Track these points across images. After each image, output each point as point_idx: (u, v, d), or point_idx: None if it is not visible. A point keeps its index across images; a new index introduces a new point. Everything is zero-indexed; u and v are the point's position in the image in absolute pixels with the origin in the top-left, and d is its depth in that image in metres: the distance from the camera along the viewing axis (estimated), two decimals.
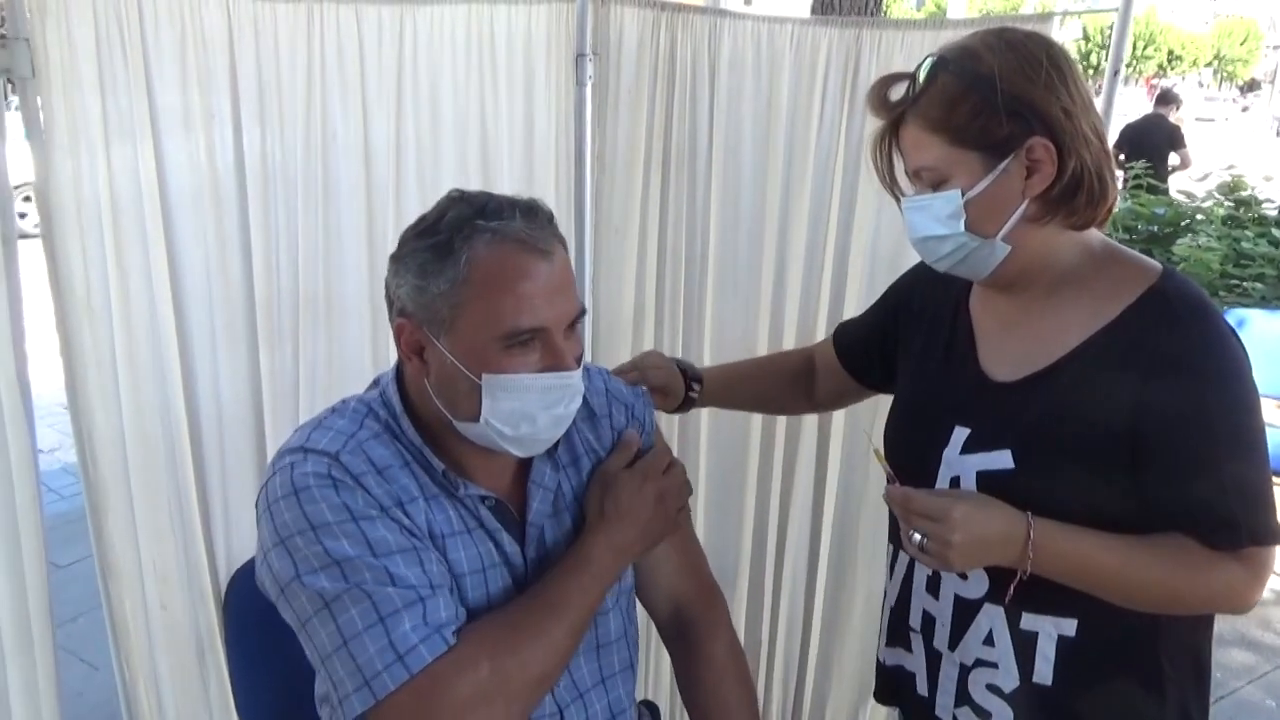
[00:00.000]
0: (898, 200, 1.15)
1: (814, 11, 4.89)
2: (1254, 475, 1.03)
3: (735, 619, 2.13)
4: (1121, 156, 7.00)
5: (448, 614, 0.98)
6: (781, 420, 2.03)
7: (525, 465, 1.14)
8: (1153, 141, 7.00)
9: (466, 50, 1.71)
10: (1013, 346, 1.14)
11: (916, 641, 1.24)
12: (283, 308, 1.66)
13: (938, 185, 1.07)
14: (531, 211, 1.04)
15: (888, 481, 1.11)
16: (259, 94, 1.55)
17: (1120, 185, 6.74)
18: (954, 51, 1.06)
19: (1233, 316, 3.95)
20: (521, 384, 1.02)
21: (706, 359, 1.95)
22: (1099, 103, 1.70)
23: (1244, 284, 4.84)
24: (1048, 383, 1.09)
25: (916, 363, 1.27)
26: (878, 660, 1.34)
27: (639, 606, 1.29)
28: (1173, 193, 6.49)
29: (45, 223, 1.42)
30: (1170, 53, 45.50)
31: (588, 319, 1.93)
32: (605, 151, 1.84)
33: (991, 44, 1.04)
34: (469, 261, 0.99)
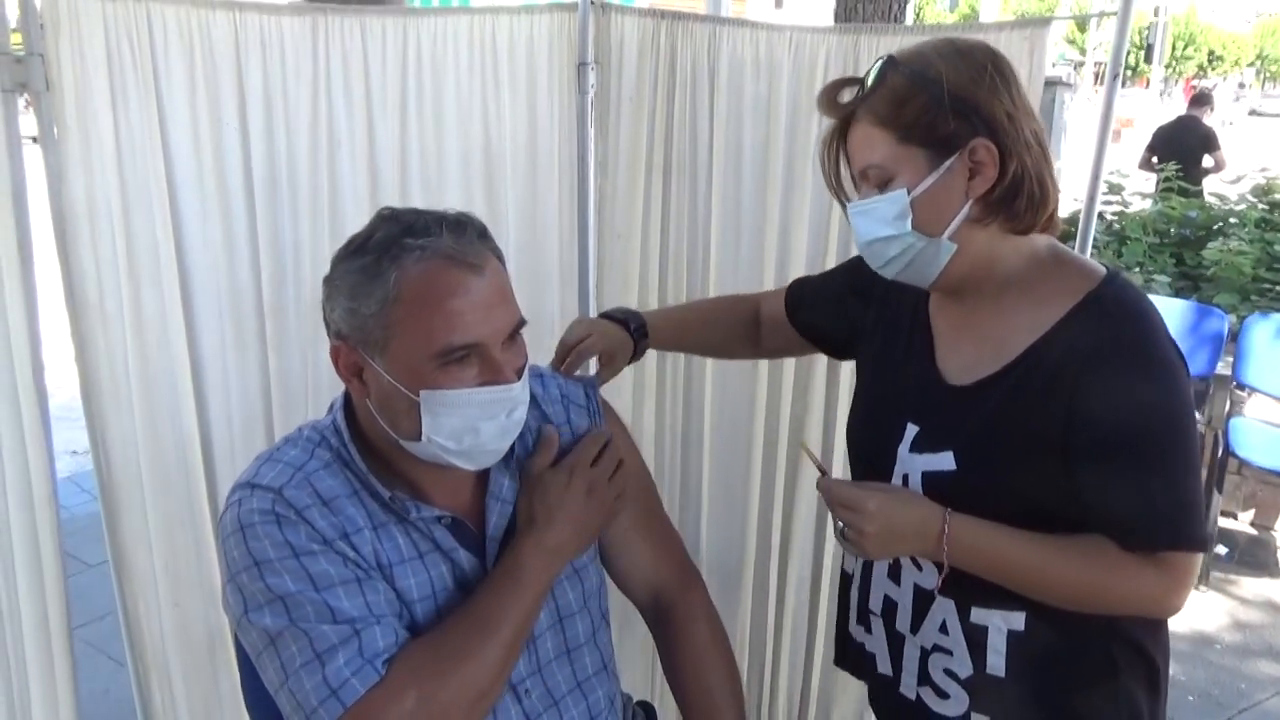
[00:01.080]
0: (843, 205, 1.18)
1: (837, 17, 4.88)
2: (1178, 480, 1.04)
3: (740, 618, 2.15)
4: (1154, 159, 6.90)
5: (385, 643, 0.99)
6: (786, 415, 2.03)
7: (484, 480, 1.14)
8: (1185, 144, 6.88)
9: (469, 60, 1.74)
10: (965, 350, 1.16)
11: (876, 625, 1.27)
12: (289, 313, 1.70)
13: (884, 184, 1.09)
14: (460, 226, 1.03)
15: (819, 473, 1.15)
16: (265, 104, 1.59)
17: (1152, 188, 6.66)
18: (904, 55, 1.09)
19: (1271, 321, 3.88)
20: (460, 399, 1.02)
21: (709, 361, 1.97)
22: (1099, 104, 1.71)
23: (1277, 288, 4.74)
24: (991, 388, 1.11)
25: (877, 357, 1.29)
26: (841, 631, 1.37)
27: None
28: (1206, 196, 6.38)
29: (59, 231, 1.47)
30: (1211, 53, 44.68)
31: None
32: (607, 158, 1.86)
33: (940, 49, 1.08)
34: (397, 281, 0.99)
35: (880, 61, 1.09)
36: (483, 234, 1.06)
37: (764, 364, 1.99)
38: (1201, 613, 3.28)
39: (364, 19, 1.64)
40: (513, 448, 1.13)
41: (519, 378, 1.05)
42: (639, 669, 2.15)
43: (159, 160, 1.52)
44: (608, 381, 1.38)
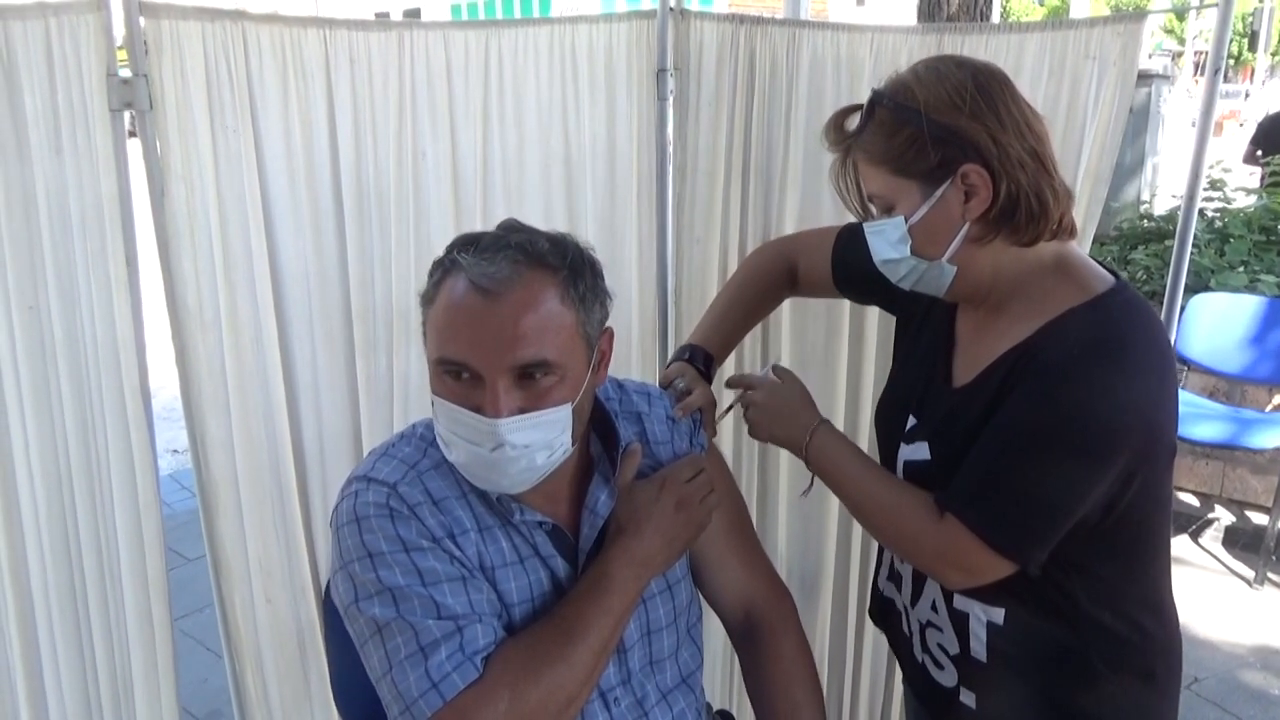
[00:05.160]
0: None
1: (920, 14, 4.79)
2: (1016, 476, 1.06)
3: (820, 624, 2.12)
4: (1259, 152, 6.57)
5: (485, 641, 1.01)
6: (866, 418, 2.00)
7: (582, 493, 1.16)
8: None
9: (550, 68, 1.76)
10: (972, 355, 1.20)
11: (903, 587, 1.35)
12: (377, 320, 1.74)
13: (888, 211, 1.13)
14: (507, 250, 1.02)
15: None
16: (354, 117, 1.63)
17: (1257, 183, 6.34)
18: (890, 85, 1.12)
19: None
20: (439, 407, 1.05)
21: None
22: (1199, 101, 1.63)
23: None
24: (967, 391, 1.16)
25: (908, 349, 1.35)
26: (874, 585, 1.45)
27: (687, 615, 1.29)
28: None
29: (161, 242, 1.54)
30: None
31: (671, 329, 1.96)
32: (686, 163, 1.86)
33: (921, 76, 1.09)
34: (436, 284, 1.04)
35: (870, 95, 1.13)
36: (536, 259, 1.02)
37: (844, 370, 1.96)
38: None
39: (447, 32, 1.67)
40: (614, 465, 1.16)
41: (506, 415, 1.00)
42: (717, 679, 2.15)
43: (254, 173, 1.57)
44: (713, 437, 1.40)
